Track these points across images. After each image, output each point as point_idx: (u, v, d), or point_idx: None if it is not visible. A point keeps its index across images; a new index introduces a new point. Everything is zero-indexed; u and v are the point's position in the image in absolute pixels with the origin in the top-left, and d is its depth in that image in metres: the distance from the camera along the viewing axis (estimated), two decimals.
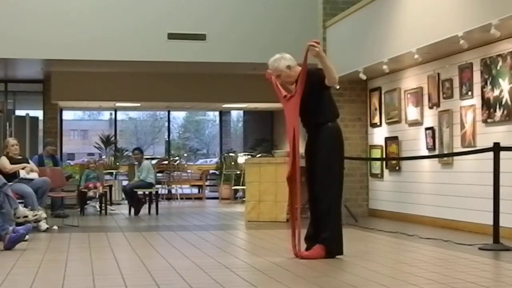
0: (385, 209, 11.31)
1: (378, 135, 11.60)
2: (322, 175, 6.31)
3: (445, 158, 9.41)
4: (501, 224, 7.15)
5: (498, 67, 8.19)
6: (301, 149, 6.60)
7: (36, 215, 8.13)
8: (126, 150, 19.43)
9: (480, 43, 8.34)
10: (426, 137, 9.95)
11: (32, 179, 9.63)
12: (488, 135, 8.36)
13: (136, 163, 13.31)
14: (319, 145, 6.37)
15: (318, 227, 6.36)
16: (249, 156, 16.12)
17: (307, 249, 6.37)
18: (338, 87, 11.45)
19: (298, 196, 6.29)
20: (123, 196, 13.85)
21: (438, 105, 9.63)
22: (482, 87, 8.52)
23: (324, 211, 6.30)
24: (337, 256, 6.35)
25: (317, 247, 6.28)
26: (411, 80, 10.47)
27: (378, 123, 11.56)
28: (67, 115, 26.85)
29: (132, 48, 12.51)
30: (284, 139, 17.43)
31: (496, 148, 7.21)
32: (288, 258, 6.33)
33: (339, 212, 6.44)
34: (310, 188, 6.42)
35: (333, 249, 6.32)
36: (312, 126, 6.46)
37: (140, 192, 12.72)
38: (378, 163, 11.56)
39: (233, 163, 17.23)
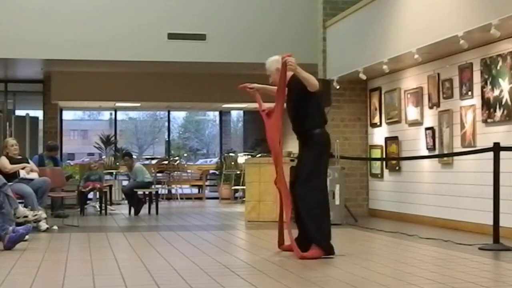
0: (385, 209, 11.30)
1: (378, 135, 11.60)
2: (308, 180, 6.38)
3: (445, 158, 9.41)
4: (501, 224, 7.15)
5: (498, 67, 8.19)
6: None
7: (36, 215, 8.13)
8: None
9: (480, 43, 8.34)
10: (426, 137, 9.95)
11: (32, 179, 9.63)
12: (488, 135, 8.36)
13: (127, 169, 13.23)
14: (306, 151, 6.51)
15: (304, 229, 6.44)
16: (249, 156, 16.11)
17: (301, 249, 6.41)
18: (338, 87, 11.50)
19: (288, 198, 6.43)
20: (123, 196, 13.84)
21: (438, 105, 9.63)
22: (482, 87, 8.52)
23: (309, 214, 6.36)
24: (337, 256, 6.35)
25: (314, 246, 6.31)
26: (411, 80, 10.47)
27: (378, 123, 11.55)
28: (67, 115, 26.85)
29: (132, 48, 12.51)
30: (284, 139, 17.39)
31: (496, 148, 7.21)
32: (288, 258, 6.33)
33: (325, 215, 6.45)
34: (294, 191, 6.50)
35: (326, 249, 6.35)
36: (300, 132, 6.60)
37: (140, 192, 12.72)
38: (378, 163, 11.56)
39: (233, 163, 17.22)
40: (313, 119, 6.48)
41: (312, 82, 6.35)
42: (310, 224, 6.33)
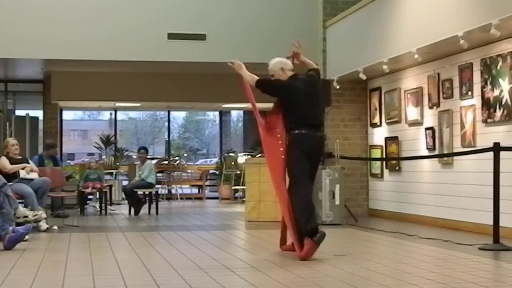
0: (385, 209, 11.31)
1: (378, 135, 11.60)
2: (288, 177, 6.71)
3: (445, 158, 9.41)
4: (501, 224, 7.15)
5: (498, 67, 8.19)
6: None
7: (36, 215, 8.13)
8: (126, 150, 19.42)
9: (480, 43, 8.34)
10: (426, 137, 9.95)
11: (32, 179, 9.63)
12: (488, 135, 8.36)
13: (139, 162, 13.35)
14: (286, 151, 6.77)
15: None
16: (249, 156, 16.11)
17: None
18: (338, 87, 11.50)
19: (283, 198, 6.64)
20: (123, 196, 13.85)
21: (438, 105, 9.63)
22: (482, 87, 8.52)
23: (293, 212, 6.52)
24: (337, 256, 6.36)
25: (305, 241, 6.36)
26: (411, 80, 10.47)
27: (378, 123, 11.56)
28: (67, 115, 26.85)
29: (132, 48, 12.50)
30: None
31: (496, 148, 7.21)
32: (288, 257, 6.33)
33: (300, 209, 6.47)
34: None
35: (312, 237, 6.37)
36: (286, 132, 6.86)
37: (140, 192, 12.72)
38: (378, 163, 11.56)
39: (233, 163, 17.22)
40: (288, 120, 6.73)
41: (247, 80, 7.02)
42: (296, 220, 6.46)
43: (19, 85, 16.31)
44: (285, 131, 6.77)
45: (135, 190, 12.63)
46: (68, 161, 22.94)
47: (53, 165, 11.85)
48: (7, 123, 14.50)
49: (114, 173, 16.26)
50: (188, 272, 5.52)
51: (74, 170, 14.99)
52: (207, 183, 19.08)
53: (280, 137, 6.85)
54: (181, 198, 17.34)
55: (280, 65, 6.91)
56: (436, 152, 9.60)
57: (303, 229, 6.34)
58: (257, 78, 6.89)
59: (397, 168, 10.96)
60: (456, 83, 9.17)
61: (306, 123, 6.64)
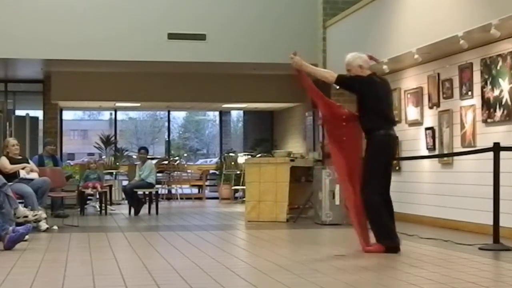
0: None
1: None
2: (363, 180, 6.67)
3: (445, 158, 9.41)
4: (501, 224, 7.15)
5: (498, 67, 8.19)
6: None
7: (36, 215, 8.13)
8: (126, 150, 19.41)
9: (480, 43, 8.34)
10: (426, 137, 9.95)
11: (32, 179, 9.63)
12: (488, 135, 8.36)
13: (139, 162, 13.37)
14: (366, 152, 6.73)
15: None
16: (249, 156, 16.11)
17: None
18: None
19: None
20: (123, 196, 13.85)
21: (438, 105, 9.63)
22: (482, 87, 8.52)
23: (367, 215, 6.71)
24: (337, 256, 6.36)
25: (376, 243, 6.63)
26: (411, 80, 10.47)
27: None
28: (67, 115, 26.87)
29: (132, 48, 12.50)
30: (284, 139, 17.41)
31: (496, 148, 7.21)
32: (288, 258, 6.33)
33: (375, 215, 6.75)
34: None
35: (386, 245, 6.61)
36: (364, 132, 6.81)
37: (140, 192, 12.72)
38: None
39: (233, 163, 17.22)
40: (370, 119, 6.65)
41: (321, 74, 6.79)
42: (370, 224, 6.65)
43: (19, 85, 16.31)
44: (366, 132, 6.66)
45: (135, 190, 12.63)
46: (68, 161, 22.93)
47: (53, 165, 11.85)
48: (7, 123, 14.49)
49: (114, 173, 16.25)
50: (188, 272, 5.52)
51: (74, 170, 14.99)
52: (207, 183, 19.07)
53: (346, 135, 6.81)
54: (181, 198, 17.34)
55: (359, 61, 6.78)
56: (436, 152, 9.60)
57: (381, 235, 6.64)
58: (336, 74, 6.69)
59: (397, 168, 10.95)
60: (456, 83, 9.17)
61: (389, 122, 6.73)
